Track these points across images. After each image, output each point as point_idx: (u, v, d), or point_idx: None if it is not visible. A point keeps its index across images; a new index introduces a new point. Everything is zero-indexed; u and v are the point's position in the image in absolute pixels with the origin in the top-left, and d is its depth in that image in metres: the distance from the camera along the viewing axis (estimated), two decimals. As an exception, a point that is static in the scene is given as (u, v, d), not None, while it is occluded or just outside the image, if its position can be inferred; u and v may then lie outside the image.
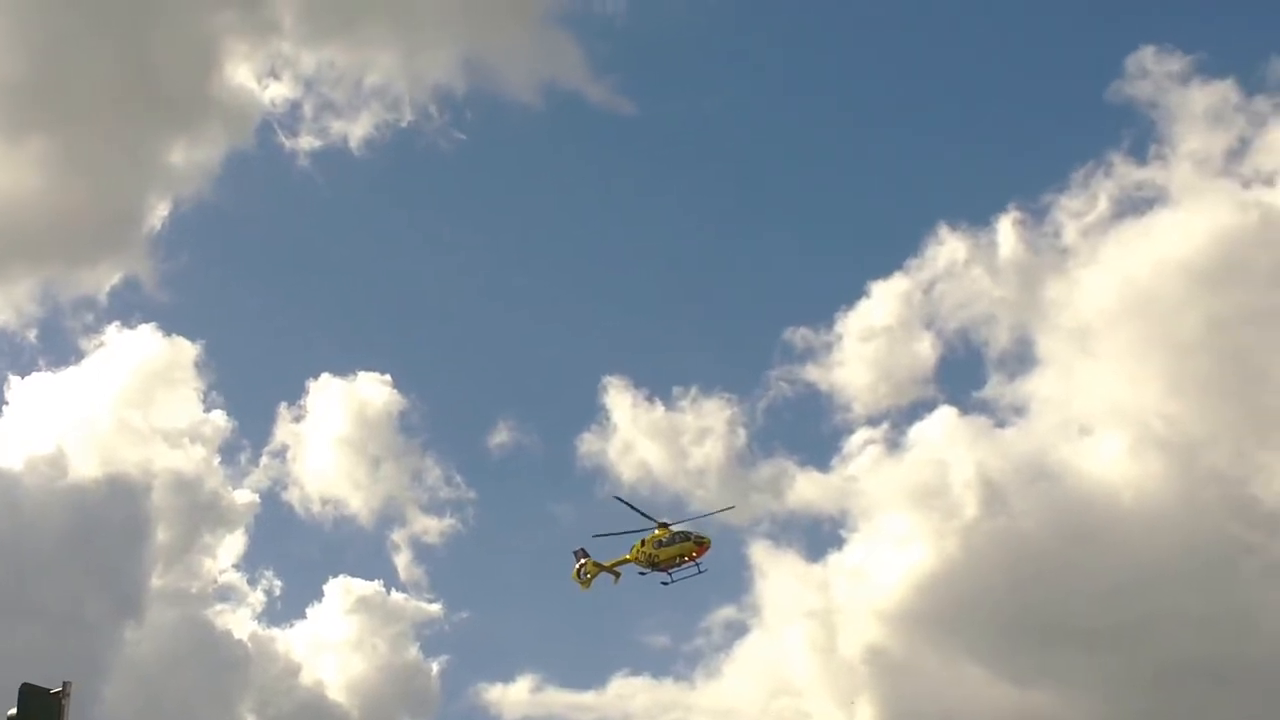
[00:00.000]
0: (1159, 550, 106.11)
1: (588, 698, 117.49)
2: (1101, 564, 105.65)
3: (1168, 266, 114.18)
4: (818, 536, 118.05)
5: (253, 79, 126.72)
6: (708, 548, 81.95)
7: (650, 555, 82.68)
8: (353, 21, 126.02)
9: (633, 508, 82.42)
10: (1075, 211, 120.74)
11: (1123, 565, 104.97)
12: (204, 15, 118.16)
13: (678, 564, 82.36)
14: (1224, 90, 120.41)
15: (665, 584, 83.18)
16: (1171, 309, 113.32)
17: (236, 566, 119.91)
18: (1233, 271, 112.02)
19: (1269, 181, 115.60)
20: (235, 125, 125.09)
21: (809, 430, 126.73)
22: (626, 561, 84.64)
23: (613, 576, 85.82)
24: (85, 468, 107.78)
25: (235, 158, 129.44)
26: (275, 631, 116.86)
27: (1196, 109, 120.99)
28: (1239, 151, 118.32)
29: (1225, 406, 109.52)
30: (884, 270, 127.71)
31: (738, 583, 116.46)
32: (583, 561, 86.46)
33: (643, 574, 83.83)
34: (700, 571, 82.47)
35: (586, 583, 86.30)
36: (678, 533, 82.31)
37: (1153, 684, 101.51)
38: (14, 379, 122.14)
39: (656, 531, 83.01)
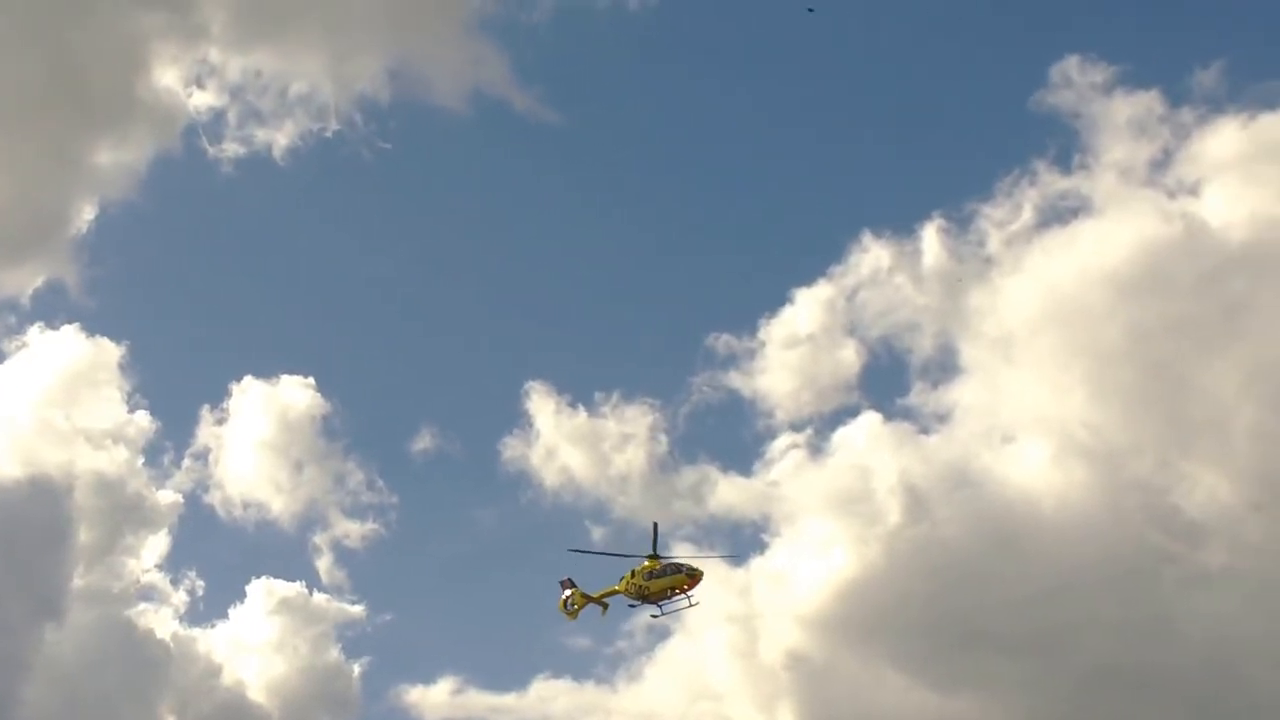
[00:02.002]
0: (1080, 558, 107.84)
1: (509, 700, 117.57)
2: (1023, 571, 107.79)
3: (1091, 276, 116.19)
4: (740, 541, 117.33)
5: (180, 83, 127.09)
6: (699, 579, 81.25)
7: (641, 587, 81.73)
8: (282, 27, 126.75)
9: (592, 553, 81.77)
10: (999, 220, 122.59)
11: (1044, 572, 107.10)
12: (132, 17, 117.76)
13: (669, 595, 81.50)
14: (1148, 101, 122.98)
15: (655, 616, 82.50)
16: (1095, 318, 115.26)
17: (159, 567, 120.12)
18: (1156, 281, 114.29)
19: (1193, 192, 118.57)
20: (161, 128, 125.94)
21: (732, 436, 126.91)
22: (615, 593, 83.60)
23: (600, 608, 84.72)
24: (6, 468, 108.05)
25: (161, 160, 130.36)
26: (197, 632, 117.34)
27: (1120, 119, 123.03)
28: (1163, 162, 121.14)
29: (1147, 416, 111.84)
30: (808, 277, 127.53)
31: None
32: (569, 592, 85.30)
33: (633, 606, 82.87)
34: (692, 604, 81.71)
35: (573, 614, 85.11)
36: (669, 564, 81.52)
37: (1073, 690, 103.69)
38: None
39: (646, 563, 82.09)
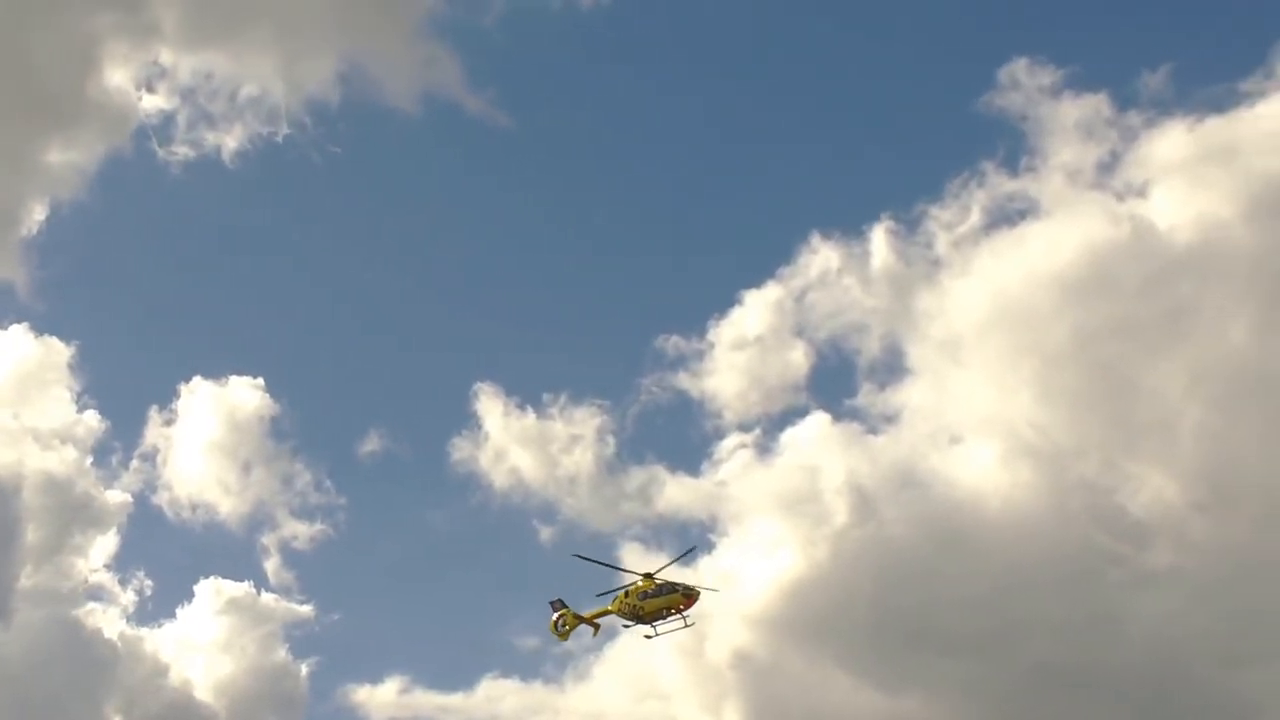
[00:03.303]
0: (1027, 558, 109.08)
1: (456, 699, 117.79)
2: (969, 571, 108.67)
3: (1039, 278, 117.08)
4: (687, 541, 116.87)
5: (131, 83, 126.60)
6: (696, 599, 79.33)
7: (635, 607, 79.66)
8: (233, 27, 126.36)
9: (598, 562, 79.42)
10: (947, 222, 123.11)
11: (990, 572, 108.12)
12: (85, 16, 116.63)
13: (663, 616, 79.53)
14: (1096, 104, 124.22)
15: (649, 637, 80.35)
16: (1042, 320, 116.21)
17: (108, 567, 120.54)
18: (1103, 283, 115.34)
19: (1140, 194, 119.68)
20: (112, 128, 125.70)
21: (680, 436, 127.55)
22: (608, 613, 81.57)
23: (592, 629, 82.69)
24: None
25: (112, 161, 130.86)
26: (144, 631, 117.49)
27: (1068, 122, 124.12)
28: (1110, 165, 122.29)
29: (1093, 417, 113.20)
30: (757, 279, 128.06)
31: (606, 584, 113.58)
32: (561, 613, 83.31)
33: (627, 626, 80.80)
34: (688, 624, 79.86)
35: (565, 634, 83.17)
36: (664, 584, 79.50)
37: (1018, 689, 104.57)
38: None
39: (640, 582, 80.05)
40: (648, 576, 79.86)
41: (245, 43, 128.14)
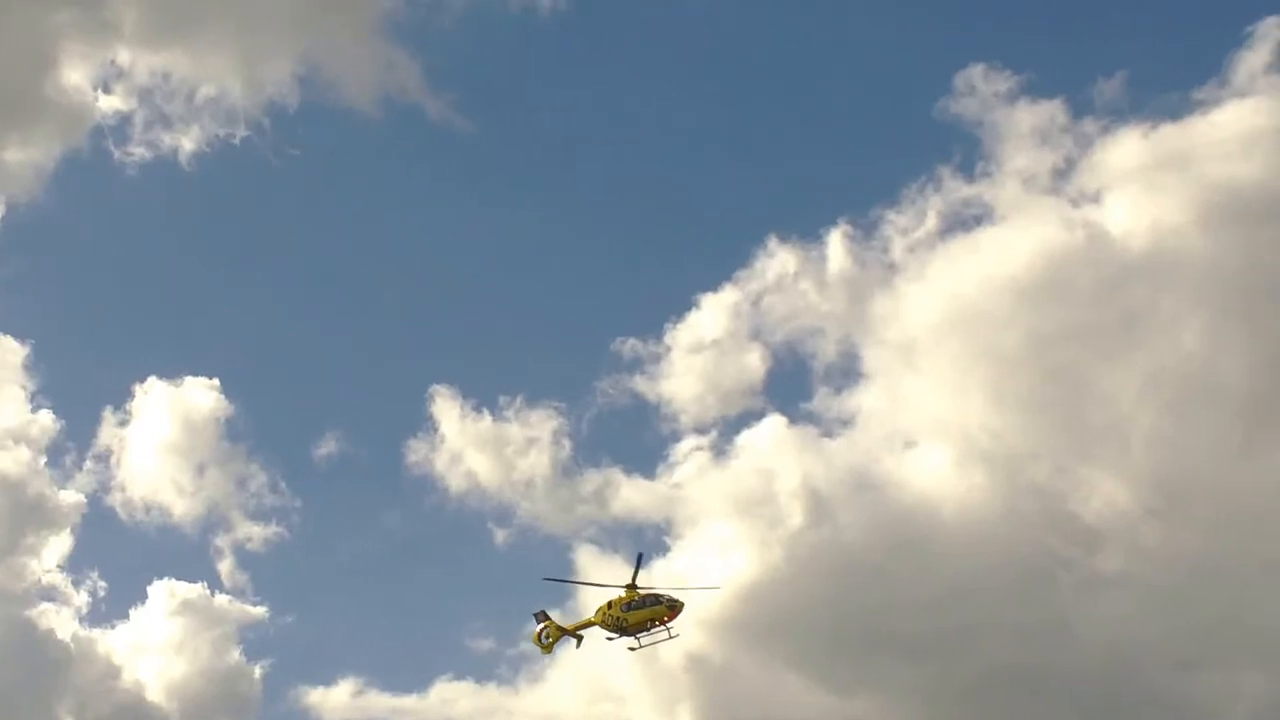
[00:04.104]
0: (979, 561, 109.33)
1: (409, 701, 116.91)
2: (923, 574, 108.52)
3: (993, 283, 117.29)
4: (642, 543, 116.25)
5: (88, 83, 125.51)
6: (680, 610, 78.64)
7: (619, 619, 78.81)
8: (192, 28, 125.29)
9: (567, 581, 78.88)
10: (903, 227, 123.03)
11: (943, 576, 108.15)
12: (43, 14, 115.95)
13: (648, 628, 78.72)
14: (1052, 110, 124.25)
15: (633, 649, 79.48)
16: (996, 325, 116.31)
17: (61, 567, 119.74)
18: (1057, 289, 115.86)
19: (1095, 201, 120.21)
20: (70, 126, 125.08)
21: (636, 439, 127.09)
22: (591, 624, 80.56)
23: (575, 640, 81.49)
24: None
25: (68, 160, 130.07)
26: (97, 633, 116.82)
27: (1024, 128, 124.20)
28: (1065, 171, 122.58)
29: (1047, 422, 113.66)
30: (714, 282, 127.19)
31: (562, 587, 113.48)
32: (544, 624, 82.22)
33: (610, 639, 79.81)
34: (672, 636, 79.11)
35: (548, 647, 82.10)
36: (648, 595, 78.69)
37: (971, 692, 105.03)
38: None
39: (624, 594, 79.17)
40: (631, 587, 79.09)
41: (204, 43, 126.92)
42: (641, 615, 78.56)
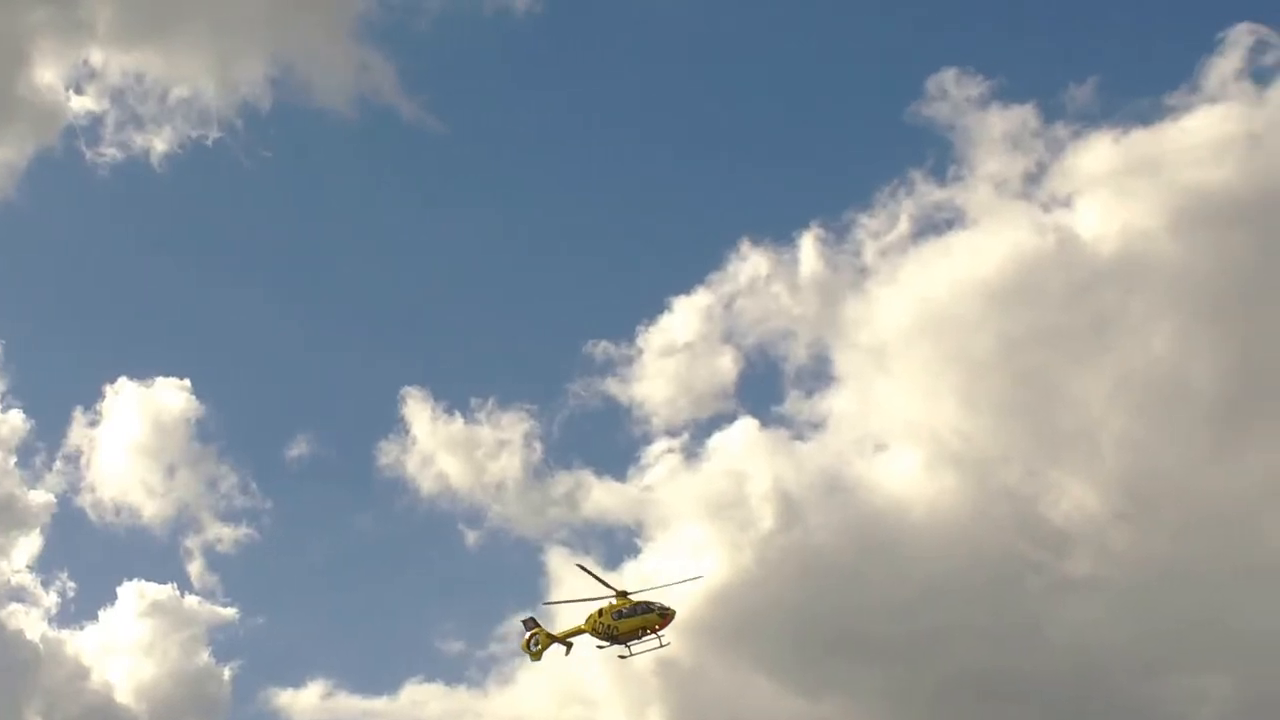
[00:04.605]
0: (949, 565, 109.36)
1: (379, 704, 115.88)
2: (893, 577, 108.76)
3: (965, 286, 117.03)
4: (613, 545, 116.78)
5: (60, 82, 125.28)
6: (671, 618, 77.81)
7: (609, 627, 77.87)
8: (165, 28, 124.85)
9: (594, 576, 77.13)
10: (875, 230, 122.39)
11: (913, 579, 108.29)
12: (16, 13, 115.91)
13: (639, 636, 77.86)
14: (1024, 115, 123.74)
15: (624, 657, 78.57)
16: (967, 329, 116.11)
17: (30, 567, 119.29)
18: (1028, 293, 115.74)
19: (1066, 205, 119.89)
20: (42, 126, 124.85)
21: (608, 442, 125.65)
22: (581, 632, 79.65)
23: (564, 648, 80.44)
24: None
25: (41, 159, 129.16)
26: (66, 634, 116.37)
27: (996, 132, 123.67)
28: (1037, 175, 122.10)
29: (1017, 426, 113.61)
30: (686, 285, 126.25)
31: (533, 589, 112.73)
32: (533, 632, 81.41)
33: (601, 647, 78.81)
34: (663, 644, 78.31)
35: (537, 654, 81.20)
36: (639, 603, 77.80)
37: (939, 695, 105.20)
38: None
39: (615, 601, 78.20)
40: (622, 594, 78.16)
41: (177, 44, 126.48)
42: (633, 623, 77.76)
